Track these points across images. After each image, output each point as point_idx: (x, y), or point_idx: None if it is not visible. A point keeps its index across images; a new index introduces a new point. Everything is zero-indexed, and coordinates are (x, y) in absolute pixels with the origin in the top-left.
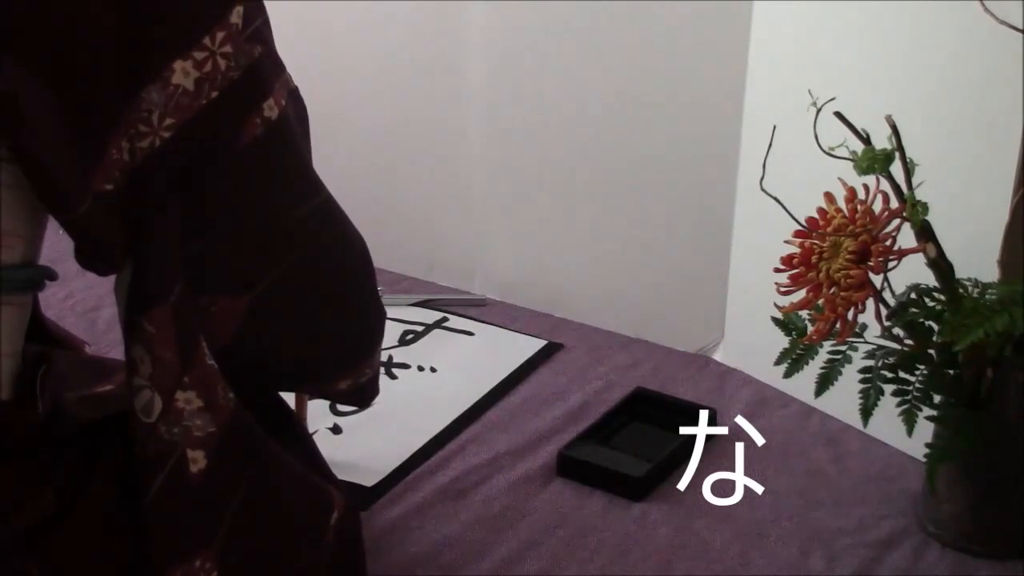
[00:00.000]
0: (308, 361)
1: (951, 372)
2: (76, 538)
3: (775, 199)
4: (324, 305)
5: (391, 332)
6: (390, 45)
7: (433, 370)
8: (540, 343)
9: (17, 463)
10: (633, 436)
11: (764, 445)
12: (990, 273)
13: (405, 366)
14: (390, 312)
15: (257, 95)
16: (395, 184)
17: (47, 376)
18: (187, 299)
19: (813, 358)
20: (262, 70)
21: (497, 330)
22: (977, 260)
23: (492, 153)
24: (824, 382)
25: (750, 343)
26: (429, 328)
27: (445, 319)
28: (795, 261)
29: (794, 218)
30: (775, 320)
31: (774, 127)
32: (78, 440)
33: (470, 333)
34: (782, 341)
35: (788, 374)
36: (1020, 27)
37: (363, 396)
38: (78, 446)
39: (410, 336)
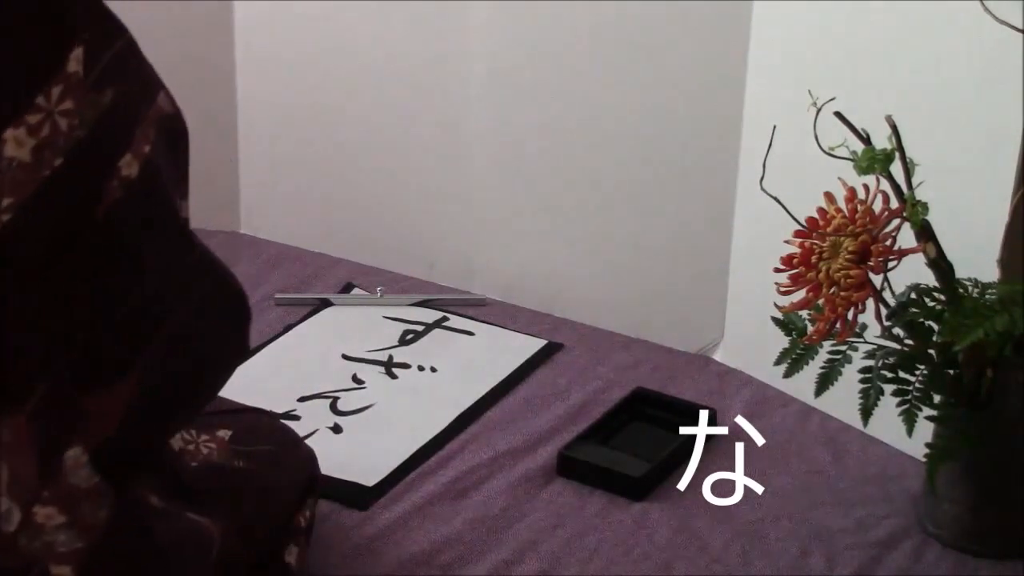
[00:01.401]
0: (193, 404)
1: (951, 372)
2: None
3: (775, 199)
4: (207, 353)
5: (391, 332)
6: (390, 44)
7: (433, 370)
8: (540, 343)
9: None
10: (633, 436)
11: (764, 445)
12: (990, 273)
13: (405, 366)
14: (391, 312)
15: (112, 153)
16: (395, 184)
17: None
18: (51, 403)
19: (813, 358)
20: (117, 119)
21: (497, 330)
22: (977, 260)
23: (492, 153)
24: (824, 382)
25: (750, 343)
26: (429, 328)
27: (445, 319)
28: (795, 261)
29: (794, 218)
30: (775, 320)
31: (774, 127)
32: None
33: (470, 333)
34: (782, 341)
35: (788, 374)
36: (1020, 27)
37: None
38: None
39: (410, 336)
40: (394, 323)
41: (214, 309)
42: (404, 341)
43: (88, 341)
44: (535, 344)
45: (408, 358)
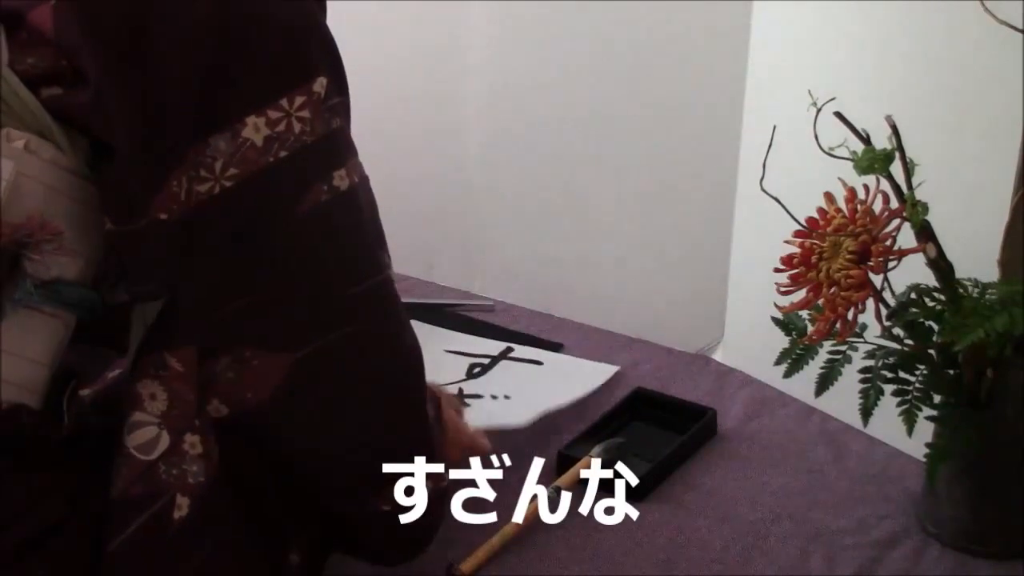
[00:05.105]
0: (333, 455)
1: (951, 372)
2: (84, 542)
3: (775, 199)
4: (363, 394)
5: (458, 366)
6: (390, 44)
7: (507, 398)
8: (612, 369)
9: (33, 471)
10: (633, 436)
11: (764, 445)
12: (990, 273)
13: (478, 396)
14: (451, 345)
15: (329, 164)
16: (395, 184)
17: (75, 393)
18: (211, 347)
19: (813, 358)
20: (338, 142)
21: (565, 358)
22: (977, 260)
23: (492, 153)
24: (824, 382)
25: (750, 343)
26: (495, 360)
27: (510, 349)
28: (795, 261)
29: (794, 218)
30: (775, 320)
31: (774, 127)
32: (93, 445)
33: (538, 363)
34: (782, 341)
35: (788, 374)
36: (1020, 27)
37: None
38: (92, 450)
39: (477, 369)
40: (458, 357)
41: (384, 340)
42: (472, 375)
43: (264, 310)
44: (606, 371)
45: (480, 389)
